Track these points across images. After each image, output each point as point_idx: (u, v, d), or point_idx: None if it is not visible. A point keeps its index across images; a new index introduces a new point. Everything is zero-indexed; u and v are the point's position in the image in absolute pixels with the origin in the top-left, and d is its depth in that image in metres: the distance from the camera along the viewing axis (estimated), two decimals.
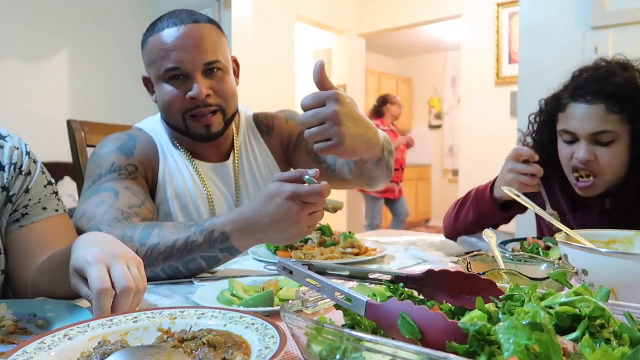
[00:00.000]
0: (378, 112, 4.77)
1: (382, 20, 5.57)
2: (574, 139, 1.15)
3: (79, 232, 0.94)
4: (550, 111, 1.23)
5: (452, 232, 1.36)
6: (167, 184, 1.13)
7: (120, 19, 3.90)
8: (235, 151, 1.22)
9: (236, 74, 1.18)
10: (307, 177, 0.80)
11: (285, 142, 1.30)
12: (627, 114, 1.09)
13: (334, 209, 0.84)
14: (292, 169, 1.18)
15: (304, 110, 0.89)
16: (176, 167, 1.14)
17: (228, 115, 1.12)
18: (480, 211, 1.26)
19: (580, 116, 1.12)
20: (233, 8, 3.36)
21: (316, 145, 0.89)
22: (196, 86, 1.04)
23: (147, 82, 1.15)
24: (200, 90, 1.03)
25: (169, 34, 1.04)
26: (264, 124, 1.30)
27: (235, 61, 1.17)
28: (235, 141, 1.22)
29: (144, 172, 1.09)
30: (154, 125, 1.18)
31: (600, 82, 1.11)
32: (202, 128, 1.08)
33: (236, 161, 1.22)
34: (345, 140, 0.87)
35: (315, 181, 0.80)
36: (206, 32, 1.06)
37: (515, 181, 1.14)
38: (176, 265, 0.87)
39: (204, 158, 1.18)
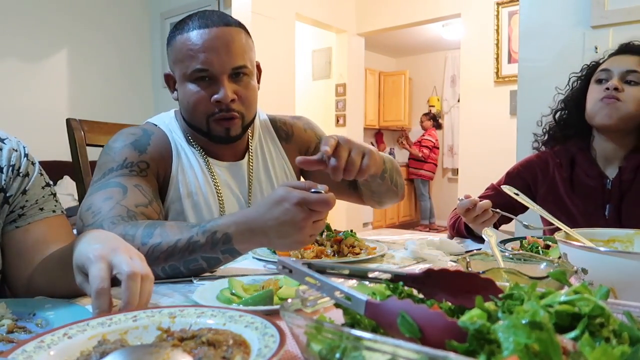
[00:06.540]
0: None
1: (381, 19, 5.56)
2: (607, 77, 1.30)
3: (83, 224, 0.94)
4: (590, 72, 1.38)
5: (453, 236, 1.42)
6: (179, 183, 1.12)
7: (119, 19, 3.90)
8: (250, 152, 1.23)
9: (258, 79, 1.17)
10: (314, 190, 0.81)
11: (303, 150, 1.31)
12: None
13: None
14: (302, 179, 1.21)
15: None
16: (189, 166, 1.14)
17: (247, 121, 1.13)
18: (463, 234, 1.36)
19: (617, 59, 1.32)
20: (233, 7, 3.36)
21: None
22: (223, 90, 1.04)
23: (168, 79, 1.14)
24: (227, 94, 1.04)
25: (199, 35, 1.03)
26: (283, 130, 1.31)
27: (258, 66, 1.17)
28: (250, 143, 1.23)
29: (155, 170, 1.09)
30: (168, 122, 1.18)
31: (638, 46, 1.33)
32: (223, 131, 1.09)
33: (251, 162, 1.22)
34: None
35: (323, 191, 0.81)
36: (236, 35, 1.05)
37: (476, 225, 1.22)
38: (177, 265, 0.86)
39: (219, 157, 1.19)
